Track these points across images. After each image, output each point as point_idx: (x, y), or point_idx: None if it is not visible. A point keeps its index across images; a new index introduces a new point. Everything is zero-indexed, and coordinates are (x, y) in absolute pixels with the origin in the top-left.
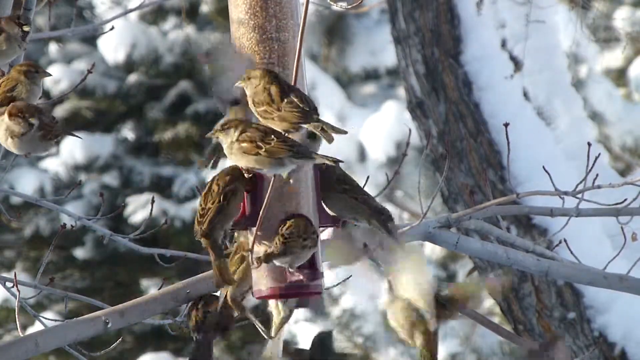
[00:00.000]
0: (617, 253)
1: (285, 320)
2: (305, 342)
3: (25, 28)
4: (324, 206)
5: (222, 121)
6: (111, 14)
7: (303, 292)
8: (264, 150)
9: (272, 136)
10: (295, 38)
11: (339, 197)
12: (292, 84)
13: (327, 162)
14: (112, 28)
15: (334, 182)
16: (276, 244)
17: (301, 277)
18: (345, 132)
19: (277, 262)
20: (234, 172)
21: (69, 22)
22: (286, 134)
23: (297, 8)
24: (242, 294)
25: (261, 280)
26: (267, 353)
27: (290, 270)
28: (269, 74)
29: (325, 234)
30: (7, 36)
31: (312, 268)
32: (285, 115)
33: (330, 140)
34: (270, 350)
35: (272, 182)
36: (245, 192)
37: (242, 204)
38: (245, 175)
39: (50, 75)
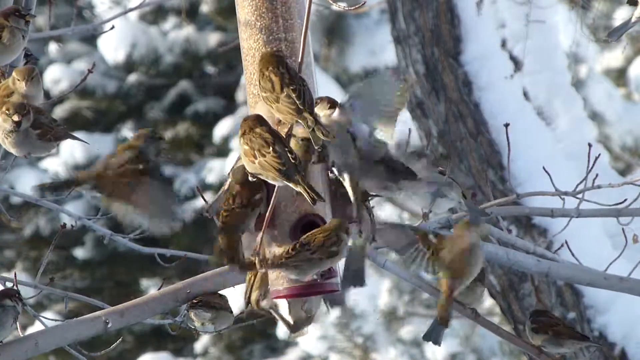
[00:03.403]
0: (618, 255)
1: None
2: (305, 342)
3: (28, 18)
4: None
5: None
6: (111, 14)
7: (319, 291)
8: (257, 161)
9: (270, 148)
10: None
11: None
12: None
13: (305, 195)
14: (112, 28)
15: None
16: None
17: (316, 277)
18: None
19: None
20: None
21: (69, 22)
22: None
23: (303, 8)
24: (264, 294)
25: (278, 281)
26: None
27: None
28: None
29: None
30: (11, 30)
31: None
32: (281, 108)
33: (317, 141)
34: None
35: (277, 186)
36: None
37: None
38: (250, 178)
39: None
